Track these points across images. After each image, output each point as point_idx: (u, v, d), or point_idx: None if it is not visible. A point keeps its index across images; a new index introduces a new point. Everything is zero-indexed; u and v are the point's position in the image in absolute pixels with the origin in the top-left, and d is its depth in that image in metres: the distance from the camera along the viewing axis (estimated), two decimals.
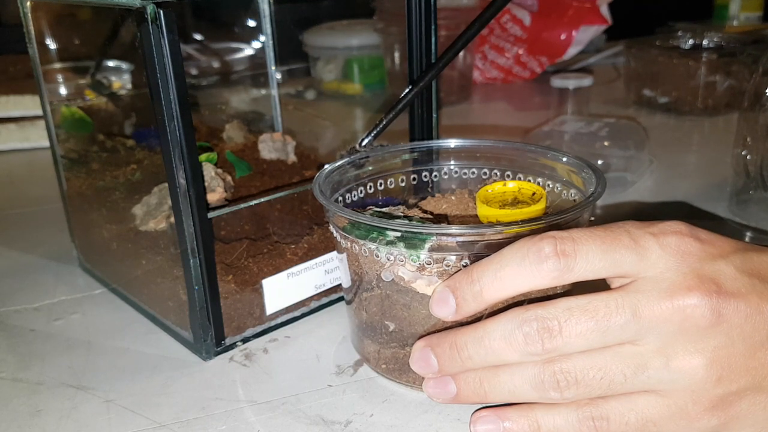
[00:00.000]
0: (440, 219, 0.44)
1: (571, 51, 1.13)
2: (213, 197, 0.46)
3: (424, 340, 0.33)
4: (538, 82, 1.15)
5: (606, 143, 0.68)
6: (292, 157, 0.55)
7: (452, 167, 0.47)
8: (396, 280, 0.35)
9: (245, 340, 0.43)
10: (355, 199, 0.44)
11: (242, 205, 0.42)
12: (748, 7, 1.30)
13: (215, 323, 0.41)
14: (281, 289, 0.44)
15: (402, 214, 0.40)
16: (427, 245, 0.34)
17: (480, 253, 0.33)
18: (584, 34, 1.12)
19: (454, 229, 0.33)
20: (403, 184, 0.47)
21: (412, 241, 0.34)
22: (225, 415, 0.37)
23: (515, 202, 0.41)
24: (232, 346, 0.43)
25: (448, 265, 0.34)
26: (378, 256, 0.35)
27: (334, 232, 0.38)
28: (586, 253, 0.29)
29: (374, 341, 0.38)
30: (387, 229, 0.34)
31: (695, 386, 0.28)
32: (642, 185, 0.68)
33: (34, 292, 0.52)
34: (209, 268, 0.40)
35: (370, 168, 0.45)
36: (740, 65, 0.89)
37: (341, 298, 0.48)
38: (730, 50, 0.91)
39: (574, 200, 0.41)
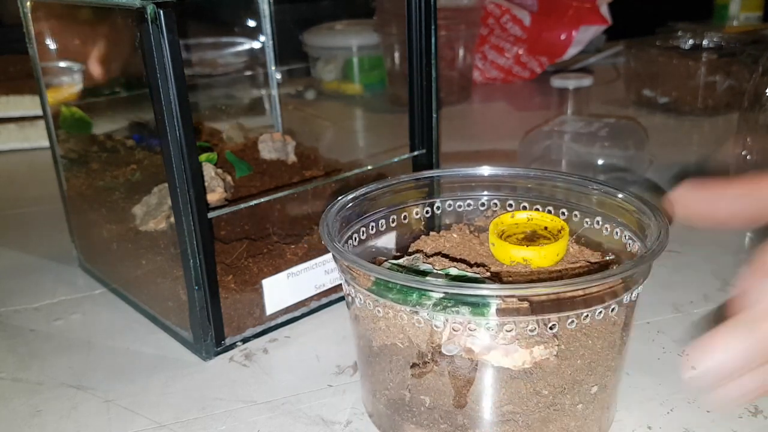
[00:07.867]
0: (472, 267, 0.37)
1: (571, 51, 1.13)
2: (213, 197, 0.46)
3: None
4: (538, 82, 1.15)
5: (606, 143, 0.68)
6: (292, 157, 0.55)
7: (446, 199, 0.41)
8: (464, 352, 0.30)
9: (245, 340, 0.43)
10: (356, 243, 0.38)
11: (242, 205, 0.42)
12: (748, 7, 1.30)
13: (215, 323, 0.41)
14: (281, 289, 0.44)
15: (431, 267, 0.34)
16: (493, 309, 0.28)
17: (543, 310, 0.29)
18: (584, 34, 1.12)
19: (528, 289, 0.28)
20: (405, 222, 0.41)
21: (474, 304, 0.28)
22: (225, 415, 0.37)
23: (534, 237, 0.37)
24: (232, 346, 0.43)
25: (528, 328, 0.29)
26: (438, 327, 0.29)
27: (351, 288, 0.32)
28: None
29: (418, 425, 0.32)
30: (452, 293, 0.28)
31: None
32: (642, 185, 0.68)
33: (34, 292, 0.52)
34: (209, 268, 0.40)
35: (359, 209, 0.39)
36: (740, 65, 0.89)
37: (341, 299, 0.48)
38: (730, 50, 0.91)
39: (600, 228, 0.37)
